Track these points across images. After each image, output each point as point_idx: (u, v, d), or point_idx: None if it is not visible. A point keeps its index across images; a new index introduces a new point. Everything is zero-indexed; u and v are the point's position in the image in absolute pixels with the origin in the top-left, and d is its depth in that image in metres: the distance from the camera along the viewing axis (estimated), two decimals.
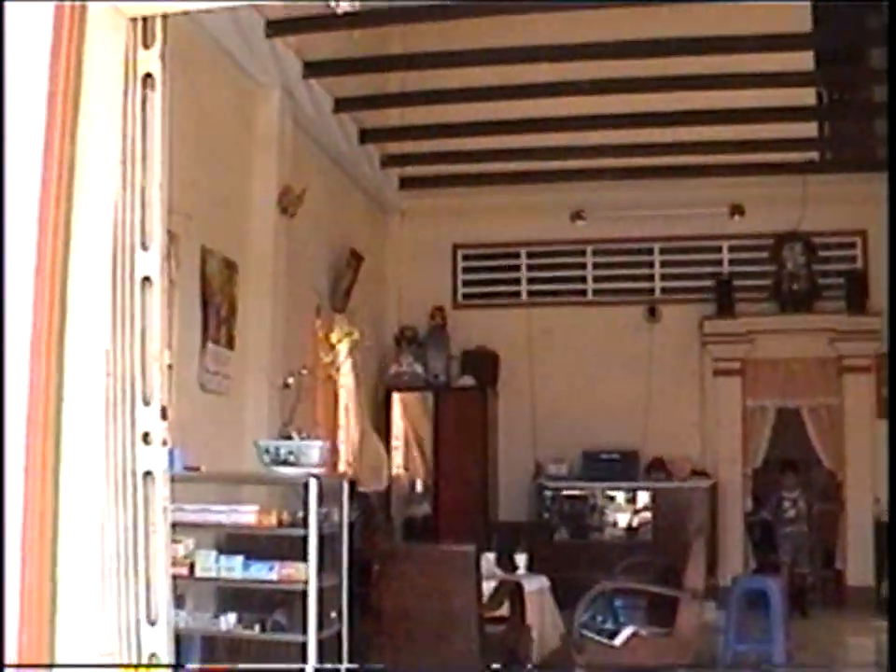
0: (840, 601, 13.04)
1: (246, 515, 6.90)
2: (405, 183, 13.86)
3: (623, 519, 13.69)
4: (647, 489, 13.56)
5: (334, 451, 11.03)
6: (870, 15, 14.37)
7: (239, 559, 6.80)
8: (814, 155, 13.57)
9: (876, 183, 13.05)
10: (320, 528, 6.66)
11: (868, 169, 13.36)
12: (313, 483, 6.66)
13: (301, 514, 6.72)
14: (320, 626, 6.55)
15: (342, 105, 11.31)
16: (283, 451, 7.00)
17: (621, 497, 13.75)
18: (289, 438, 7.31)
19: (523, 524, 13.13)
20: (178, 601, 6.48)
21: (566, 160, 12.74)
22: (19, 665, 3.04)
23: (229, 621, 6.83)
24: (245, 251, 9.11)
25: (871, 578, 12.97)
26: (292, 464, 6.96)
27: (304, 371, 8.33)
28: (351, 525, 7.68)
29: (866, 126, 14.63)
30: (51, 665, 3.15)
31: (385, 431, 13.27)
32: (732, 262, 14.03)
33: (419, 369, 13.53)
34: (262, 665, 6.84)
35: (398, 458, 13.65)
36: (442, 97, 11.42)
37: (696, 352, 13.84)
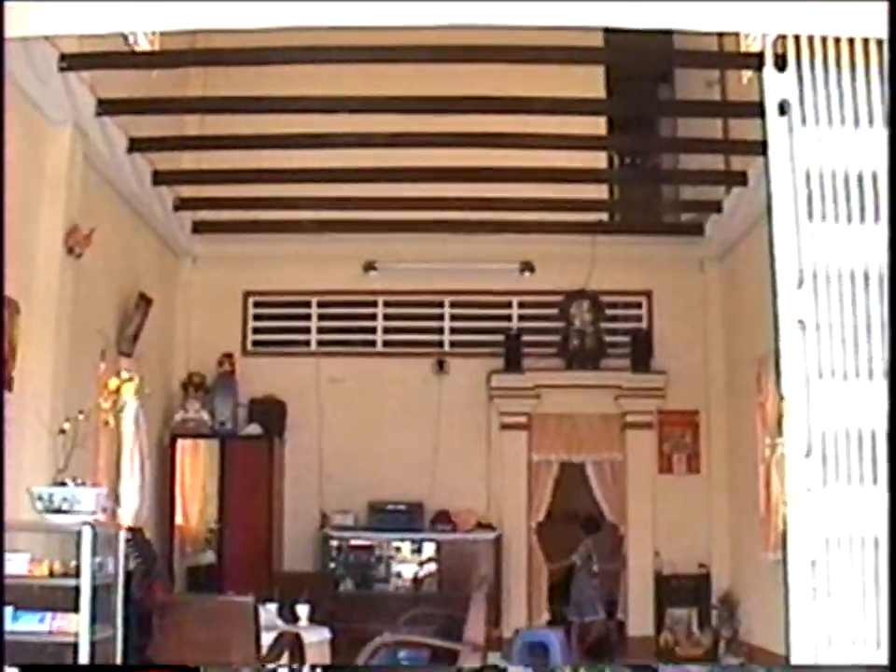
0: (622, 651, 13.28)
1: (17, 564, 6.68)
2: (198, 227, 13.67)
3: (408, 570, 13.65)
4: (432, 541, 13.59)
5: (115, 498, 10.75)
6: (660, 87, 14.99)
7: (8, 610, 6.58)
8: (603, 216, 13.93)
9: (661, 246, 13.60)
10: (94, 578, 6.49)
11: (654, 232, 13.86)
12: (86, 532, 6.50)
13: (74, 563, 6.53)
14: None
15: (136, 144, 11.09)
16: (57, 498, 6.80)
17: (406, 548, 13.72)
18: (64, 484, 7.10)
19: (307, 574, 13.04)
20: None
21: (359, 211, 12.76)
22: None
23: None
24: (27, 291, 8.82)
25: (651, 628, 13.40)
26: (66, 511, 6.77)
27: (80, 416, 8.09)
28: (130, 575, 7.49)
29: (654, 191, 15.15)
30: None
31: (169, 478, 13.03)
32: (521, 318, 14.22)
33: (206, 416, 13.31)
34: None
35: (181, 505, 13.37)
36: (239, 143, 11.31)
37: (484, 406, 13.96)
